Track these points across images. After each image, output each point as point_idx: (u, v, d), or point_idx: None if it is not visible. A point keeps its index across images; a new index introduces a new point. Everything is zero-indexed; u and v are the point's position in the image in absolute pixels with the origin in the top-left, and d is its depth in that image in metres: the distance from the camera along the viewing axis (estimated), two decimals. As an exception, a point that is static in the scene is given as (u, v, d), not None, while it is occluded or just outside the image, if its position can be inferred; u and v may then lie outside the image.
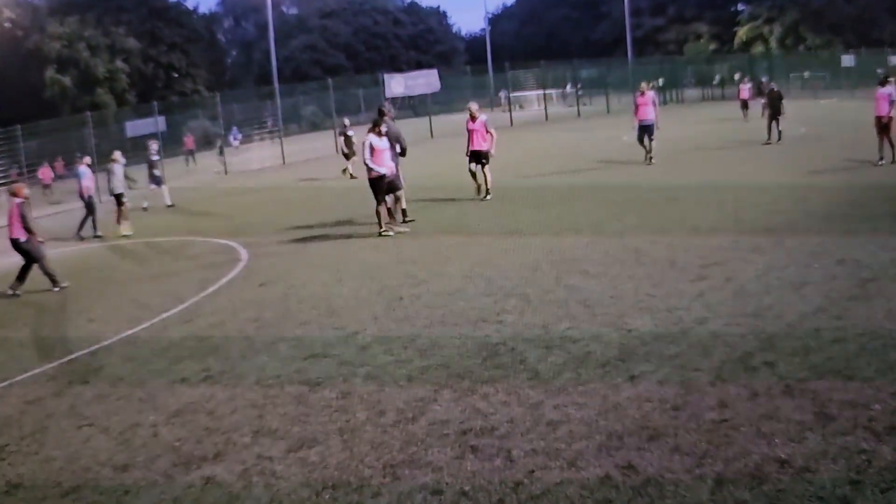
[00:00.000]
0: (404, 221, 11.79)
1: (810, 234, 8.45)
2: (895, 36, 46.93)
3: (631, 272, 7.54)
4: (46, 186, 27.47)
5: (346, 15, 67.46)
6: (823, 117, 24.80)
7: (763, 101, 19.81)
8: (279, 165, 27.80)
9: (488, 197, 13.27)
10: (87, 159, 16.53)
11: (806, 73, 42.55)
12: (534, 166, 17.79)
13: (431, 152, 24.17)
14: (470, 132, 13.32)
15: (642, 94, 16.34)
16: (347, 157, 20.47)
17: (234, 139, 36.74)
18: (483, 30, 71.73)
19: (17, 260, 10.62)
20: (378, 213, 11.12)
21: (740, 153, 17.02)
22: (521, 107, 43.51)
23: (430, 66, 44.09)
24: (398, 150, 11.54)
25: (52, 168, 30.04)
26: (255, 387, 5.60)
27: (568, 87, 46.38)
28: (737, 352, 5.16)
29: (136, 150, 25.36)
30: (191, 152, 34.15)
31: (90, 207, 15.57)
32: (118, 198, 15.72)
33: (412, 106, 46.68)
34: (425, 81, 35.08)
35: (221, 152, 29.15)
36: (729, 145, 18.66)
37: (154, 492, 4.17)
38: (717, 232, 9.00)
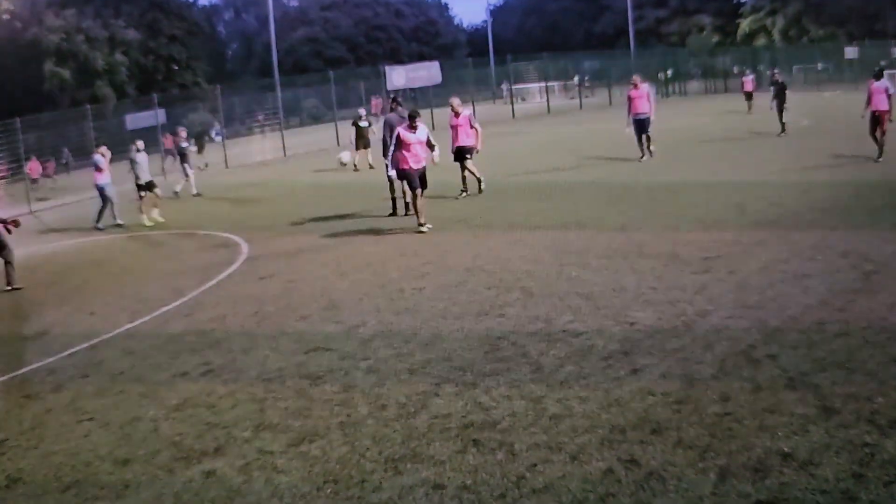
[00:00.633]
0: (406, 214, 11.82)
1: (813, 226, 8.42)
2: (899, 28, 46.75)
3: (633, 265, 7.52)
4: (34, 181, 26.99)
5: (348, 7, 67.19)
6: (827, 109, 24.70)
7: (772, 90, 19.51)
8: (280, 158, 27.74)
9: (482, 186, 13.15)
10: (103, 148, 16.30)
11: (819, 65, 42.10)
12: (535, 159, 17.73)
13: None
14: (453, 128, 12.99)
15: (636, 86, 15.82)
16: (357, 148, 20.14)
17: (217, 135, 35.78)
18: (485, 22, 71.46)
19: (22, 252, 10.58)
20: (416, 207, 10.64)
21: (744, 145, 16.95)
22: (522, 99, 43.44)
23: (431, 59, 43.90)
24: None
25: (44, 165, 29.58)
26: (255, 381, 5.59)
27: (575, 79, 46.15)
28: (740, 345, 5.14)
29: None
30: (169, 153, 30.33)
31: (104, 197, 15.46)
32: (148, 185, 15.35)
33: (413, 98, 46.57)
34: (427, 74, 34.92)
35: (201, 150, 27.37)
36: (733, 137, 18.58)
37: (154, 486, 4.16)
38: (720, 225, 8.97)
